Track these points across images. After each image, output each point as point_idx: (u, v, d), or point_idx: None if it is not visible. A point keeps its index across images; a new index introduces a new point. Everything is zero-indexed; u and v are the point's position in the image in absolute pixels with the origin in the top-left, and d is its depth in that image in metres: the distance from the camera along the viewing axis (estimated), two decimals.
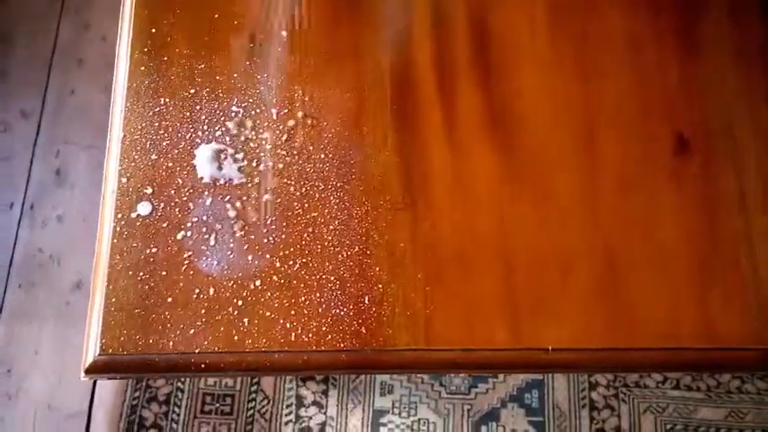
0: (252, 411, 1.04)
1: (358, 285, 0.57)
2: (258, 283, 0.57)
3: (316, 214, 0.59)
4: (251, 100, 0.62)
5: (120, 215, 0.58)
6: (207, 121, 0.61)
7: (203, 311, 0.56)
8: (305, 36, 0.63)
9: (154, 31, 0.63)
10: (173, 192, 0.59)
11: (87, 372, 0.55)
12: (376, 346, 0.56)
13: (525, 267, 0.57)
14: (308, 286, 0.57)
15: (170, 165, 0.60)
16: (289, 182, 0.59)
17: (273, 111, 0.61)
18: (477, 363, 0.56)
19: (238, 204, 0.59)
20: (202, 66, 0.62)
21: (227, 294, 0.56)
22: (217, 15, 0.64)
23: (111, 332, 0.55)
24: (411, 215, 0.59)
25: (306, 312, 0.56)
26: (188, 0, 0.64)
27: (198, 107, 0.61)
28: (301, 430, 1.02)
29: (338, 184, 0.59)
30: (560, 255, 0.58)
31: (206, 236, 0.58)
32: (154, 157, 0.60)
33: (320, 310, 0.56)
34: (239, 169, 0.60)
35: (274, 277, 0.57)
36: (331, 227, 0.58)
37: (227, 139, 0.61)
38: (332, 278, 0.57)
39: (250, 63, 0.63)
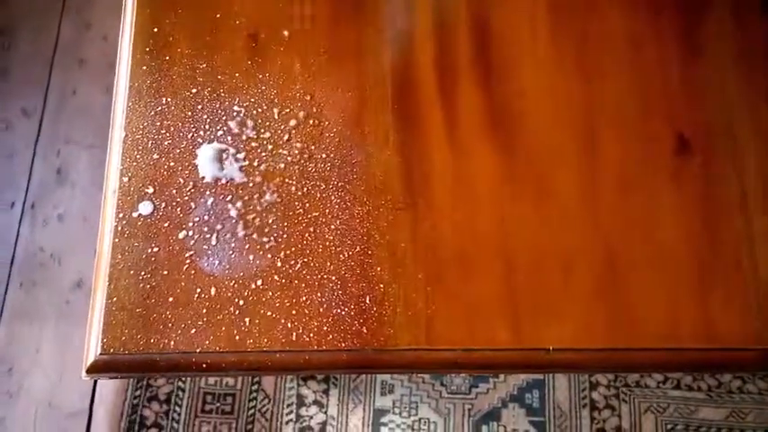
0: (253, 411, 1.04)
1: (359, 285, 0.57)
2: (259, 282, 0.57)
3: (317, 214, 0.59)
4: (252, 99, 0.62)
5: (121, 214, 0.58)
6: (208, 120, 0.61)
7: (204, 311, 0.56)
8: (306, 36, 0.63)
9: (155, 30, 0.63)
10: (174, 191, 0.59)
11: (88, 371, 0.55)
12: (377, 345, 0.56)
13: (526, 267, 0.58)
14: (309, 286, 0.57)
15: (171, 164, 0.60)
16: (290, 181, 0.60)
17: (275, 110, 0.61)
18: (478, 363, 0.56)
19: (240, 204, 0.59)
20: (204, 65, 0.62)
21: (229, 294, 0.56)
22: (218, 15, 0.64)
23: (112, 332, 0.55)
24: (412, 215, 0.59)
25: (307, 312, 0.56)
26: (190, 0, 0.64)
27: (199, 107, 0.61)
28: (302, 429, 1.02)
29: (339, 184, 0.60)
30: (561, 255, 0.58)
31: (207, 235, 0.58)
32: (155, 156, 0.60)
33: (321, 309, 0.56)
34: (241, 169, 0.60)
35: (276, 277, 0.57)
36: (332, 226, 0.58)
37: (229, 138, 0.61)
38: (333, 278, 0.57)
39: (252, 63, 0.63)
